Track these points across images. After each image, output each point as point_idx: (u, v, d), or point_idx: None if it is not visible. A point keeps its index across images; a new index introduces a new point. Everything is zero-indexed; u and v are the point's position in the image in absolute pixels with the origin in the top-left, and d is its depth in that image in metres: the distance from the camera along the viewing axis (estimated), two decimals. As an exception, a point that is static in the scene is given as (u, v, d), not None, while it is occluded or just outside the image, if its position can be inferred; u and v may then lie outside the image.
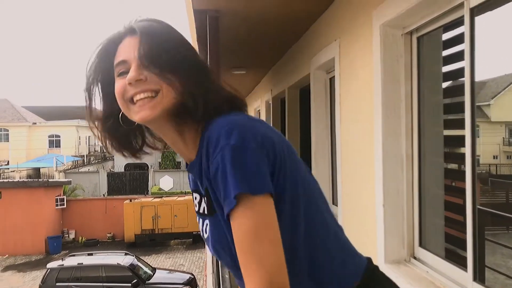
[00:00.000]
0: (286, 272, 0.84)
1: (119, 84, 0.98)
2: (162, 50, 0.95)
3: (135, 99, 0.96)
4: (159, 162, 35.82)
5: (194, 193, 1.08)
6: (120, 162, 36.03)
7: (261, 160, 0.87)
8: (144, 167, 34.25)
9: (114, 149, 1.08)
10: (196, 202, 1.06)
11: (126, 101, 0.98)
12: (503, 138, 4.91)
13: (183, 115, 0.97)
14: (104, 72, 1.01)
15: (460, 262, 2.09)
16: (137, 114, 0.97)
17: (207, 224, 1.02)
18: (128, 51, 0.96)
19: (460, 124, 2.03)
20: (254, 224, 0.84)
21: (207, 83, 0.99)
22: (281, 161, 0.92)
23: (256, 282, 0.82)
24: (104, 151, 43.82)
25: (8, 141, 38.39)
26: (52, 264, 13.83)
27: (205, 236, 1.05)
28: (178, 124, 0.99)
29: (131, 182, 29.72)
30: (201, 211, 1.04)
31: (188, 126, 0.99)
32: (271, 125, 7.19)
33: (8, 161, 36.07)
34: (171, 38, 1.00)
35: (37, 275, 16.19)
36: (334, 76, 3.64)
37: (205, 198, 0.99)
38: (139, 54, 0.94)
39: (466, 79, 1.97)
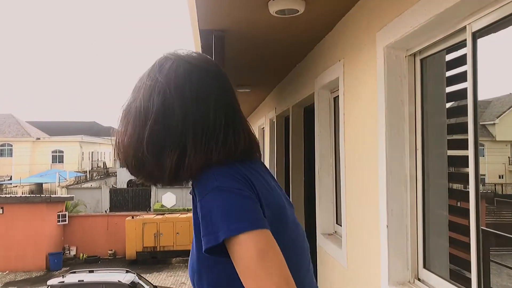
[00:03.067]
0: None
1: None
2: None
3: None
4: (162, 179, 35.78)
5: None
6: (122, 178, 36.04)
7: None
8: (146, 184, 34.22)
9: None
10: None
11: None
12: (509, 157, 4.89)
13: None
14: None
15: (465, 284, 2.08)
16: None
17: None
18: None
19: (464, 144, 2.04)
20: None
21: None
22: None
23: None
24: (107, 167, 43.65)
25: (11, 156, 38.54)
26: (53, 281, 13.72)
27: None
28: None
29: (134, 199, 29.67)
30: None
31: None
32: (275, 143, 7.18)
33: (11, 176, 36.13)
34: None
35: (37, 292, 16.07)
36: (338, 95, 3.67)
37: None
38: None
39: (469, 100, 1.99)
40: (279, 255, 0.90)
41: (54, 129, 47.90)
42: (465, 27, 2.00)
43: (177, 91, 1.02)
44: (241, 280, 0.90)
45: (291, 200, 5.17)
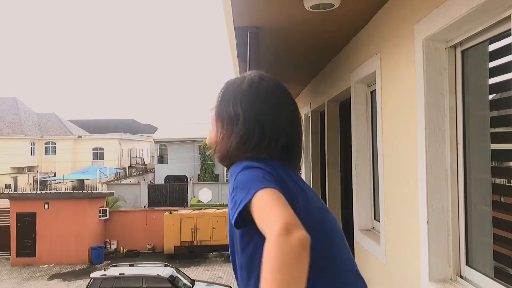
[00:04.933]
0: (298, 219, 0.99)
1: None
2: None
3: None
4: (198, 175, 36.35)
5: None
6: (160, 174, 36.84)
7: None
8: (183, 179, 34.83)
9: None
10: None
11: None
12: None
13: None
14: None
15: (510, 282, 2.01)
16: None
17: None
18: None
19: (508, 138, 1.97)
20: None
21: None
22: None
23: (275, 224, 0.96)
24: (145, 163, 44.69)
25: (55, 154, 40.07)
26: (95, 274, 14.24)
27: None
28: None
29: (171, 194, 30.28)
30: None
31: None
32: (310, 139, 7.14)
33: (55, 173, 37.60)
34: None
35: (81, 284, 16.70)
36: (375, 89, 3.61)
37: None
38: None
39: (514, 92, 1.92)
40: (286, 204, 1.04)
41: (94, 127, 49.46)
42: (509, 16, 1.92)
43: (251, 104, 1.30)
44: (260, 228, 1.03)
45: (327, 196, 5.14)
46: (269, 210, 1.02)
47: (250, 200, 1.06)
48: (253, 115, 1.28)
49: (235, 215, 1.09)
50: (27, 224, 20.20)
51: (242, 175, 1.15)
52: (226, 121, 1.30)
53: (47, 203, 20.37)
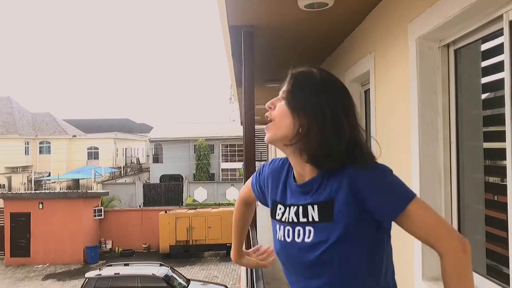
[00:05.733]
0: None
1: None
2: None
3: None
4: (194, 174, 36.29)
5: (280, 204, 1.29)
6: (155, 173, 36.75)
7: None
8: (178, 179, 34.76)
9: None
10: (281, 211, 1.28)
11: None
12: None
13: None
14: None
15: (503, 280, 2.03)
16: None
17: (305, 231, 1.21)
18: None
19: (501, 136, 1.98)
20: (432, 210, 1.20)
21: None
22: None
23: (456, 235, 1.16)
24: (140, 163, 44.44)
25: (50, 153, 39.87)
26: (90, 274, 14.18)
27: (289, 240, 1.23)
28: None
29: (166, 194, 30.21)
30: (301, 219, 1.22)
31: None
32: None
33: (50, 173, 37.42)
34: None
35: (76, 284, 16.63)
36: (369, 88, 3.62)
37: (318, 207, 1.19)
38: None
39: (506, 90, 1.93)
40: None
41: (89, 127, 49.30)
42: (501, 16, 1.93)
43: (334, 95, 1.24)
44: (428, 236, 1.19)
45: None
46: (441, 222, 1.18)
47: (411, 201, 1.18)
48: (340, 108, 1.22)
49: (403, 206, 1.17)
50: (21, 224, 20.10)
51: (392, 175, 1.23)
52: (311, 114, 1.20)
53: (42, 203, 20.27)
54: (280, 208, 1.28)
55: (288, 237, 1.23)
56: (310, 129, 1.19)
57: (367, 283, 1.19)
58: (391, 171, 1.24)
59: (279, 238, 1.26)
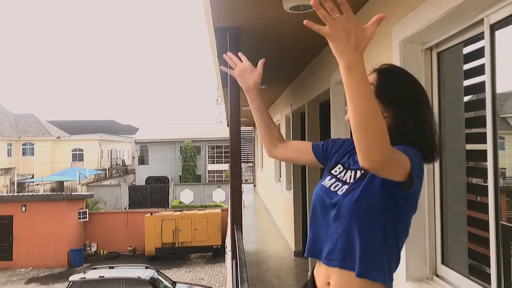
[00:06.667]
0: None
1: None
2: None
3: None
4: (180, 176, 36.12)
5: (340, 165, 1.55)
6: (141, 175, 36.47)
7: None
8: (164, 181, 34.55)
9: None
10: (340, 170, 1.53)
11: None
12: (530, 150, 4.79)
13: None
14: None
15: (484, 280, 2.05)
16: None
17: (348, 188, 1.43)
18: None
19: (483, 138, 2.01)
20: None
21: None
22: None
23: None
24: (126, 164, 44.03)
25: (33, 155, 39.30)
26: (74, 277, 14.00)
27: (332, 189, 1.47)
28: None
29: (152, 195, 29.98)
30: (347, 179, 1.47)
31: None
32: (291, 139, 7.18)
33: (33, 175, 36.88)
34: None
35: (60, 288, 16.40)
36: (353, 90, 3.64)
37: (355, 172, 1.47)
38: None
39: (487, 93, 1.96)
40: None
41: (73, 128, 48.72)
42: (482, 20, 1.96)
43: (417, 87, 1.54)
44: None
45: (307, 195, 5.14)
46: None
47: None
48: (425, 99, 1.49)
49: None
50: (3, 227, 19.75)
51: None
52: (405, 104, 1.45)
53: (25, 206, 19.95)
54: (339, 168, 1.54)
55: (334, 188, 1.47)
56: (405, 120, 1.43)
57: (379, 239, 1.40)
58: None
59: (325, 185, 1.50)
